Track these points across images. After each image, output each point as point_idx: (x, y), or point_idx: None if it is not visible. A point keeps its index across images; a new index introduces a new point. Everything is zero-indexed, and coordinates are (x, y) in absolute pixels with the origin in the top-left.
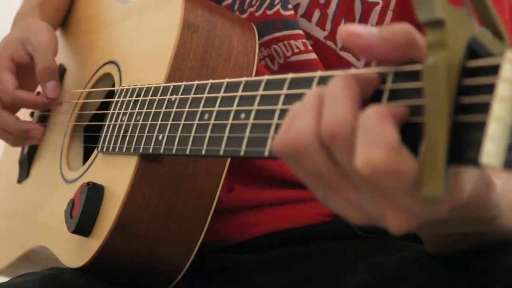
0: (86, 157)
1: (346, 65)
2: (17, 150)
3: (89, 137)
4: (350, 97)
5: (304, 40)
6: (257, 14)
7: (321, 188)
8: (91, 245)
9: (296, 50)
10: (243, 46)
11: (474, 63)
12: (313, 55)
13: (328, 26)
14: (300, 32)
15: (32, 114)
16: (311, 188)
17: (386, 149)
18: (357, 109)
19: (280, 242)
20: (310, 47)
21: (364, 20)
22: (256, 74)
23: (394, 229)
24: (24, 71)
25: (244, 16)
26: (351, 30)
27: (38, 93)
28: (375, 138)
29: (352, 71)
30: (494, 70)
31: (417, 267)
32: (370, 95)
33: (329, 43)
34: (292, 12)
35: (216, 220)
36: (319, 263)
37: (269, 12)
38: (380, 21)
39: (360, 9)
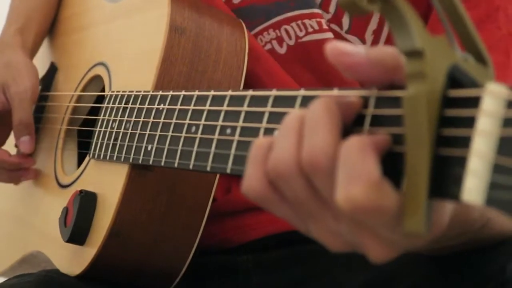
0: (80, 159)
1: None
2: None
3: (82, 141)
4: (330, 124)
5: (319, 19)
6: None
7: (300, 216)
8: (86, 254)
9: (310, 30)
10: (232, 46)
11: (455, 93)
12: (329, 34)
13: (332, 8)
14: (315, 10)
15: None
16: (290, 217)
17: (367, 185)
18: (338, 137)
19: (278, 244)
20: (325, 26)
21: None
22: (259, 61)
23: (373, 259)
24: (5, 114)
25: None
26: (338, 48)
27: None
28: (356, 173)
29: (335, 92)
30: (474, 102)
31: (414, 266)
32: (352, 120)
33: (333, 26)
34: None
35: (213, 223)
36: (318, 264)
37: None
38: None
39: None
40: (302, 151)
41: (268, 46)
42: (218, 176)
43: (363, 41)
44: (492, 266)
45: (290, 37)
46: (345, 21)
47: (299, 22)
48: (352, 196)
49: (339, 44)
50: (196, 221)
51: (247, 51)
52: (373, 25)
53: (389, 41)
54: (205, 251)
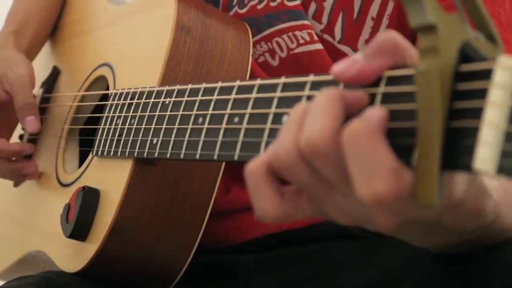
0: (82, 159)
1: (344, 57)
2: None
3: (85, 140)
4: (330, 111)
5: (309, 31)
6: (259, 7)
7: (315, 206)
8: (88, 250)
9: (301, 41)
10: (237, 47)
11: (467, 68)
12: (319, 46)
13: (324, 19)
14: (306, 22)
15: (21, 137)
16: (309, 215)
17: (388, 179)
18: (338, 122)
19: (278, 243)
20: (316, 38)
21: (363, 12)
22: (252, 77)
23: (382, 229)
24: (2, 108)
25: (244, 10)
26: (337, 70)
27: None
28: (373, 166)
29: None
30: (486, 74)
31: (417, 266)
32: (356, 114)
33: (326, 36)
34: (297, 2)
35: (213, 222)
36: (318, 263)
37: (273, 4)
38: (381, 12)
39: (360, 0)
40: (302, 137)
41: (262, 59)
42: (221, 172)
43: (356, 51)
44: (499, 265)
45: (282, 49)
46: (338, 31)
47: (290, 34)
48: (376, 192)
49: (336, 67)
50: (198, 218)
51: (251, 52)
52: (365, 34)
53: None
54: (205, 250)
